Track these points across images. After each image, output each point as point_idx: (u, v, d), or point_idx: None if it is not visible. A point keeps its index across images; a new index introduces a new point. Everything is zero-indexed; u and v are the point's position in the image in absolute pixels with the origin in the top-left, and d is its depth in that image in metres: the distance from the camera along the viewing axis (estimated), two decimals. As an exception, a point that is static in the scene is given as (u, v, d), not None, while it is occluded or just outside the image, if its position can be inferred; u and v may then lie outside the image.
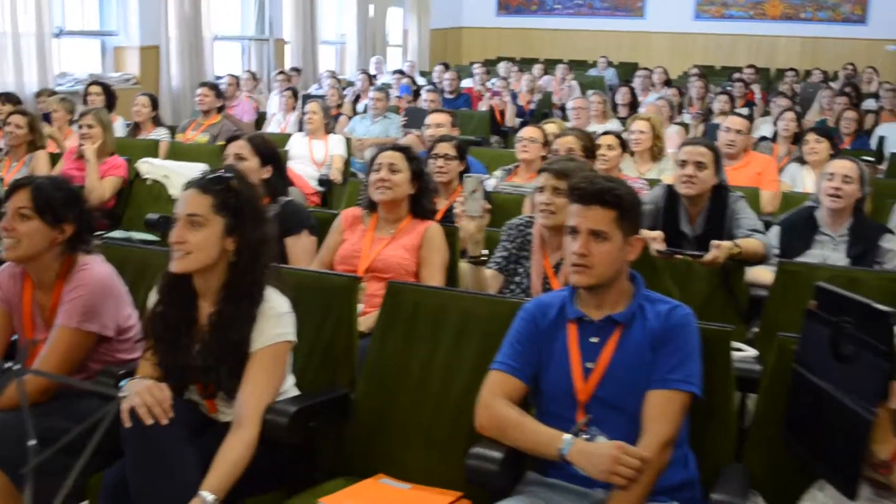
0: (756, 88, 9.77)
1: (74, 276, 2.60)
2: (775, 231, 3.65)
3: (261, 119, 8.13)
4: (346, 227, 3.34)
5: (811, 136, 5.17)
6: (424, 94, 7.38)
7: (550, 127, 5.45)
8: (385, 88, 7.72)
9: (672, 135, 6.97)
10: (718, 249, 2.97)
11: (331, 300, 2.62)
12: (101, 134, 4.96)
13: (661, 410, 2.03)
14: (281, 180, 3.53)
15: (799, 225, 3.60)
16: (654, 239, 3.05)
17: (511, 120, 8.44)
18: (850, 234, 3.51)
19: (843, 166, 3.51)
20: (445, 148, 4.04)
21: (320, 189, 5.91)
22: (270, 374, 2.29)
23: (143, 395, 2.12)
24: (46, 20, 7.62)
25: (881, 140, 7.32)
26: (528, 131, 4.69)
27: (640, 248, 2.16)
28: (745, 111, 8.43)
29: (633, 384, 2.07)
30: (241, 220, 2.28)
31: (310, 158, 6.07)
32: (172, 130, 6.65)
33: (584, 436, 2.07)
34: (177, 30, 8.94)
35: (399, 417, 2.47)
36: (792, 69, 11.46)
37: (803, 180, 5.15)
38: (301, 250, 3.39)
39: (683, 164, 3.28)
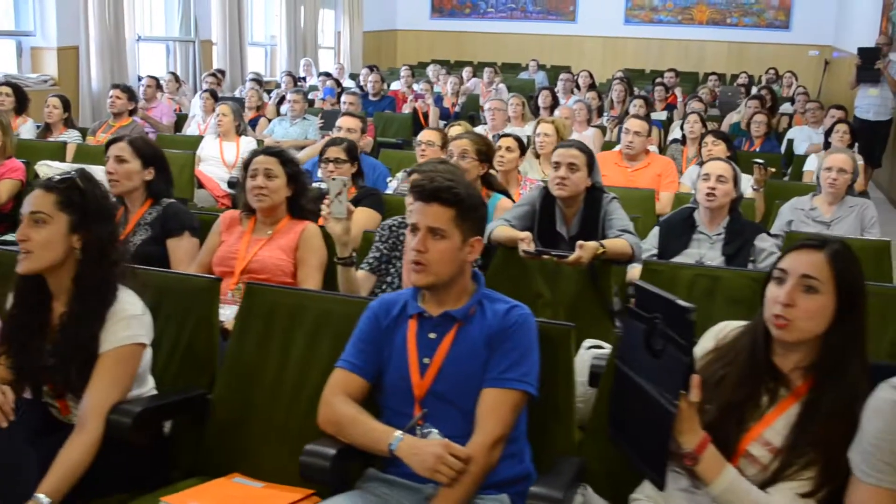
0: (678, 92, 9.95)
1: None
2: (655, 231, 3.75)
3: (182, 121, 8.06)
4: (225, 228, 3.33)
5: (709, 139, 5.30)
6: (344, 97, 7.38)
7: (455, 129, 5.50)
8: (303, 90, 7.71)
9: (588, 137, 7.09)
10: (582, 250, 3.03)
11: (192, 301, 2.62)
12: (1, 137, 4.89)
13: (493, 409, 2.07)
14: (164, 182, 3.50)
15: (677, 225, 3.69)
16: (523, 239, 3.10)
17: (434, 122, 8.48)
18: (726, 233, 3.61)
19: (718, 167, 3.60)
20: (335, 152, 4.06)
21: (230, 191, 5.87)
22: (117, 376, 2.28)
23: None
24: (-42, 20, 7.49)
25: (790, 143, 7.52)
26: (426, 134, 4.74)
27: (480, 250, 2.20)
28: (664, 115, 8.61)
29: (468, 380, 2.11)
30: (86, 217, 2.29)
31: (220, 160, 6.05)
32: (84, 133, 6.57)
33: (420, 431, 2.12)
34: (96, 30, 8.81)
35: (255, 417, 2.48)
36: (714, 73, 11.70)
37: (702, 182, 5.26)
38: (183, 252, 3.38)
39: (556, 165, 3.34)
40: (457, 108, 9.21)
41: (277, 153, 3.32)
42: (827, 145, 6.61)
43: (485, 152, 3.74)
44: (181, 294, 2.64)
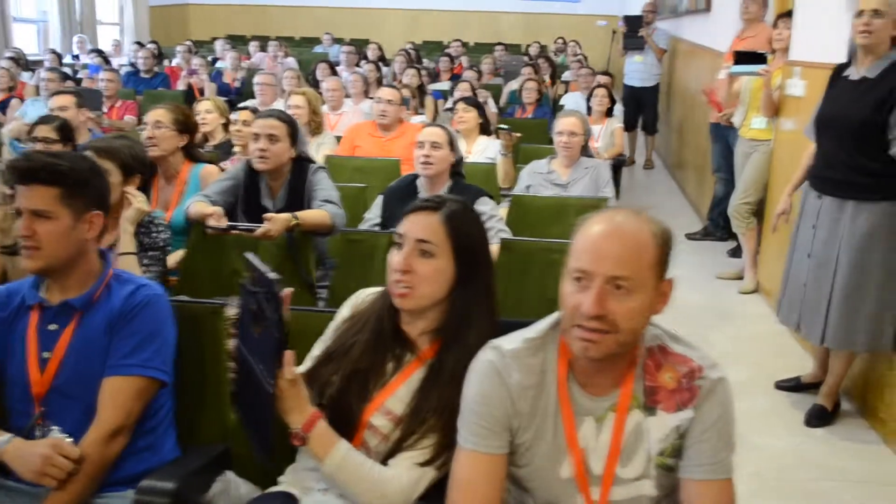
0: (465, 61, 10.00)
1: None
2: (379, 200, 3.67)
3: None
4: None
5: (460, 106, 5.29)
6: (101, 74, 6.94)
7: (204, 104, 5.28)
8: (58, 69, 7.21)
9: (362, 110, 6.99)
10: (271, 223, 2.90)
11: None
12: None
13: (111, 398, 1.91)
14: None
15: (400, 192, 3.62)
16: (210, 215, 2.94)
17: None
18: (447, 198, 3.57)
19: (431, 133, 3.55)
20: (45, 131, 3.74)
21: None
22: None
23: None
24: None
25: (561, 109, 7.68)
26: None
27: (100, 225, 2.03)
28: (445, 85, 8.62)
29: (91, 373, 1.94)
30: None
31: (-50, 146, 5.53)
32: None
33: (41, 431, 1.94)
34: None
35: None
36: (501, 43, 11.87)
37: (456, 149, 5.26)
38: None
39: (256, 137, 3.19)
40: (237, 84, 8.88)
41: None
42: (589, 110, 6.80)
43: (183, 122, 3.53)
44: None
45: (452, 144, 3.58)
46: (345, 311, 1.99)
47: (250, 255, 1.80)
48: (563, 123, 4.49)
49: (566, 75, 9.74)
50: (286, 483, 1.92)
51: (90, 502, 1.88)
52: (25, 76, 8.26)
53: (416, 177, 3.67)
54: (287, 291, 1.83)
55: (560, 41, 12.40)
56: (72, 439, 1.91)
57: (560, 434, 1.63)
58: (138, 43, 9.72)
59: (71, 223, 1.96)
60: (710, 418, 1.59)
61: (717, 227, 6.54)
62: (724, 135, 6.10)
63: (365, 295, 1.99)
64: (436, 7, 14.84)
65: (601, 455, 1.62)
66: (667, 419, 1.60)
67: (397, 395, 1.82)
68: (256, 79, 6.83)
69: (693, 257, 6.24)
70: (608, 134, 6.70)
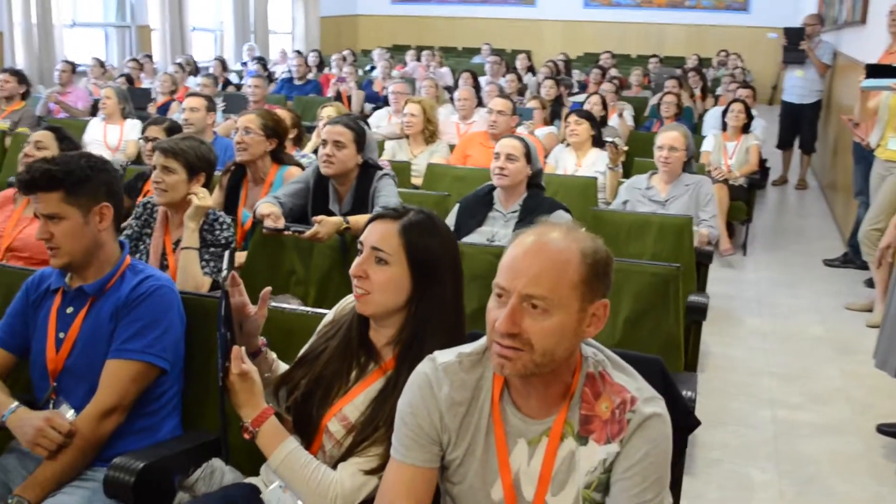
0: (613, 73, 9.83)
1: None
2: (455, 209, 3.69)
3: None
4: (-3, 208, 3.33)
5: (572, 118, 5.21)
6: (248, 80, 7.35)
7: (327, 110, 5.49)
8: (212, 74, 7.69)
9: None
10: (321, 225, 2.98)
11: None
12: None
13: (109, 379, 2.05)
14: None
15: (474, 203, 3.63)
16: (267, 216, 3.06)
17: (358, 105, 8.47)
18: (521, 210, 3.55)
19: (507, 145, 3.54)
20: (155, 131, 4.07)
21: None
22: None
23: None
24: None
25: (701, 122, 7.43)
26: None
27: (111, 215, 2.17)
28: (583, 97, 8.51)
29: (96, 355, 2.09)
30: None
31: (103, 143, 6.03)
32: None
33: (52, 405, 2.11)
34: (22, 15, 8.83)
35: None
36: (655, 56, 11.57)
37: (565, 162, 5.21)
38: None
39: (324, 143, 3.30)
40: (385, 92, 9.13)
41: (55, 129, 3.36)
42: (724, 125, 6.54)
43: (272, 128, 3.68)
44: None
45: (529, 156, 3.55)
46: (329, 315, 2.03)
47: (226, 253, 1.88)
48: (663, 138, 4.35)
49: (719, 89, 9.39)
50: (261, 475, 1.99)
51: (83, 474, 2.02)
52: (191, 81, 8.86)
53: (493, 187, 3.67)
54: (265, 291, 1.92)
55: (723, 54, 11.95)
56: (74, 413, 2.07)
57: (491, 454, 1.59)
58: (297, 52, 10.21)
59: (81, 219, 2.12)
60: (636, 455, 1.50)
61: (858, 254, 6.10)
62: (866, 156, 5.68)
63: (349, 301, 2.02)
64: (596, 18, 14.67)
65: (532, 480, 1.57)
66: (596, 451, 1.53)
67: (355, 402, 1.84)
68: (391, 87, 7.02)
69: (824, 285, 5.86)
70: (743, 150, 6.41)
